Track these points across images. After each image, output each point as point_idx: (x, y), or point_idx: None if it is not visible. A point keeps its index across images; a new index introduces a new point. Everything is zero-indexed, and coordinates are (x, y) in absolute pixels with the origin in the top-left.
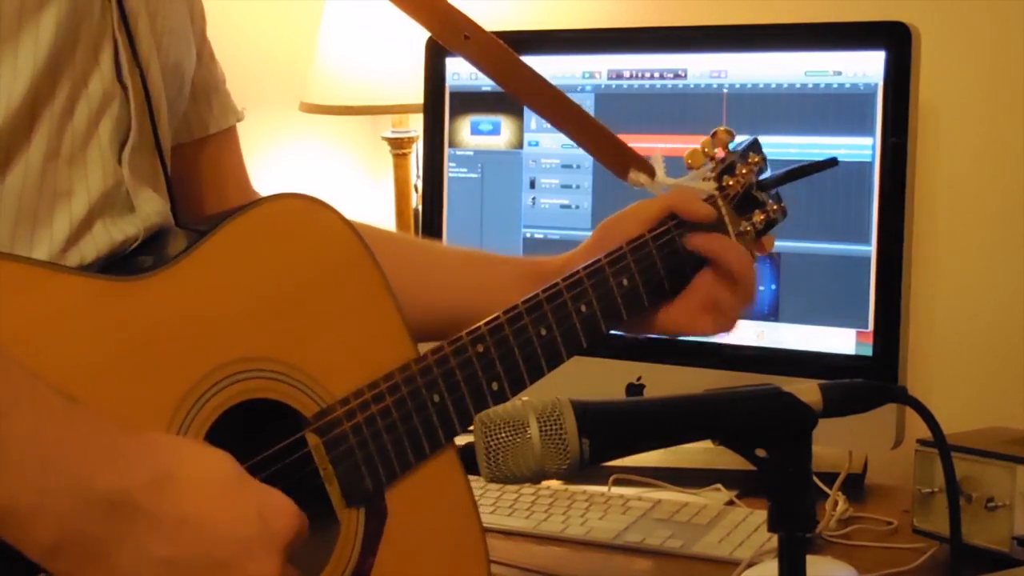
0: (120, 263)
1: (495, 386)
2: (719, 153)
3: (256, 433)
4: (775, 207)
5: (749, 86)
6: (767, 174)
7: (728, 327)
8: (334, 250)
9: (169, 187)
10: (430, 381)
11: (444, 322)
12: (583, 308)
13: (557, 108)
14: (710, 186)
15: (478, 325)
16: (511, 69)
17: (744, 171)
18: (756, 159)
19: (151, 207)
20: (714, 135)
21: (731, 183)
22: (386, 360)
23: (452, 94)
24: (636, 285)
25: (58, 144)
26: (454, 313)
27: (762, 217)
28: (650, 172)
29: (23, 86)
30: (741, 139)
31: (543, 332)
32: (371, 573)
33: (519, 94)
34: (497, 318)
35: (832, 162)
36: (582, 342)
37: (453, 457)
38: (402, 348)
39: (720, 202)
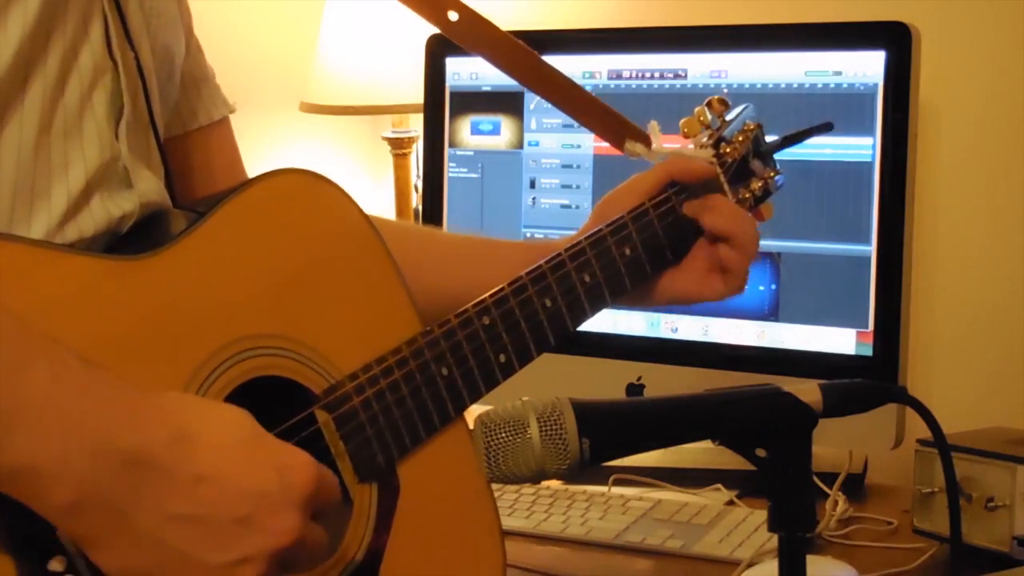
0: (122, 243)
1: (502, 358)
2: (715, 122)
3: (266, 411)
4: (772, 174)
5: (749, 86)
6: (764, 141)
7: (739, 287)
8: (337, 224)
9: (167, 169)
10: (438, 354)
11: (447, 305)
12: (587, 278)
13: (552, 83)
14: (707, 154)
15: (483, 298)
16: (502, 47)
17: (740, 139)
18: (752, 126)
19: (148, 185)
20: (709, 104)
21: (728, 151)
22: (393, 334)
23: (452, 94)
24: (638, 254)
25: (51, 117)
26: (457, 295)
27: (760, 184)
28: (646, 142)
29: (11, 53)
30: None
31: (548, 303)
32: (386, 548)
33: (514, 72)
34: (502, 290)
35: (828, 126)
36: (587, 312)
37: (463, 431)
38: (408, 322)
39: (718, 170)
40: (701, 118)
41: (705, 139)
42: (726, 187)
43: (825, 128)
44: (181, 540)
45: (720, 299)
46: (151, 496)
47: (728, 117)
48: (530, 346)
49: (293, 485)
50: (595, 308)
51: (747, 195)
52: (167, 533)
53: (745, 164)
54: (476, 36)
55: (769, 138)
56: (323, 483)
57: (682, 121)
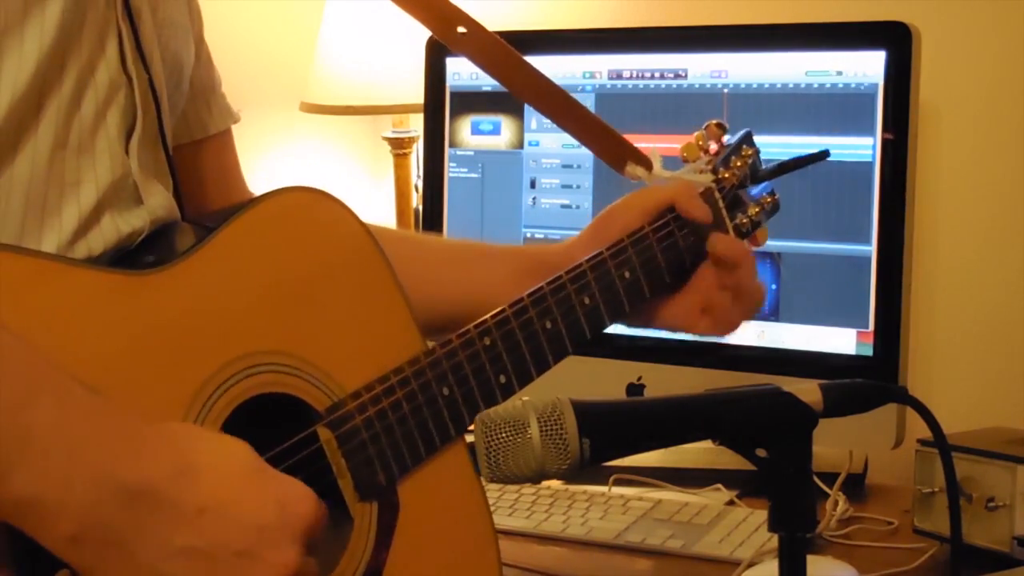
0: (129, 258)
1: (503, 379)
2: (713, 146)
3: (268, 427)
4: (769, 199)
5: (749, 86)
6: (760, 166)
7: (725, 331)
8: (342, 242)
9: (175, 181)
10: (440, 374)
11: (442, 317)
12: (586, 300)
13: (554, 102)
14: (707, 179)
15: (484, 318)
16: (508, 63)
17: (739, 163)
18: (749, 151)
19: (158, 200)
20: (707, 128)
21: (726, 176)
22: (395, 353)
23: (452, 94)
24: (637, 278)
25: (66, 133)
26: (452, 308)
27: (757, 210)
28: (647, 165)
29: (28, 72)
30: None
31: (548, 325)
32: (385, 566)
33: (516, 89)
34: (503, 311)
35: (824, 154)
36: (586, 334)
37: (462, 449)
38: (411, 341)
39: (716, 195)
40: (700, 142)
41: (704, 164)
42: (724, 213)
43: (821, 157)
44: (182, 572)
45: (706, 335)
46: (154, 528)
47: (726, 142)
48: (530, 367)
49: (295, 518)
50: (594, 330)
51: (744, 220)
52: (168, 566)
53: (742, 189)
54: (483, 51)
55: (760, 137)
56: (321, 514)
57: (682, 145)
